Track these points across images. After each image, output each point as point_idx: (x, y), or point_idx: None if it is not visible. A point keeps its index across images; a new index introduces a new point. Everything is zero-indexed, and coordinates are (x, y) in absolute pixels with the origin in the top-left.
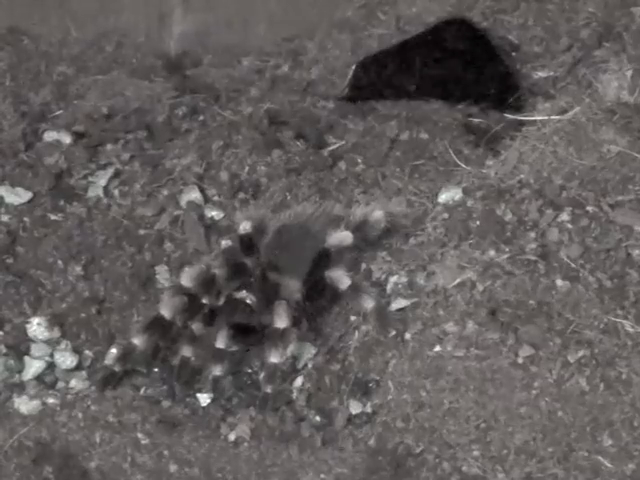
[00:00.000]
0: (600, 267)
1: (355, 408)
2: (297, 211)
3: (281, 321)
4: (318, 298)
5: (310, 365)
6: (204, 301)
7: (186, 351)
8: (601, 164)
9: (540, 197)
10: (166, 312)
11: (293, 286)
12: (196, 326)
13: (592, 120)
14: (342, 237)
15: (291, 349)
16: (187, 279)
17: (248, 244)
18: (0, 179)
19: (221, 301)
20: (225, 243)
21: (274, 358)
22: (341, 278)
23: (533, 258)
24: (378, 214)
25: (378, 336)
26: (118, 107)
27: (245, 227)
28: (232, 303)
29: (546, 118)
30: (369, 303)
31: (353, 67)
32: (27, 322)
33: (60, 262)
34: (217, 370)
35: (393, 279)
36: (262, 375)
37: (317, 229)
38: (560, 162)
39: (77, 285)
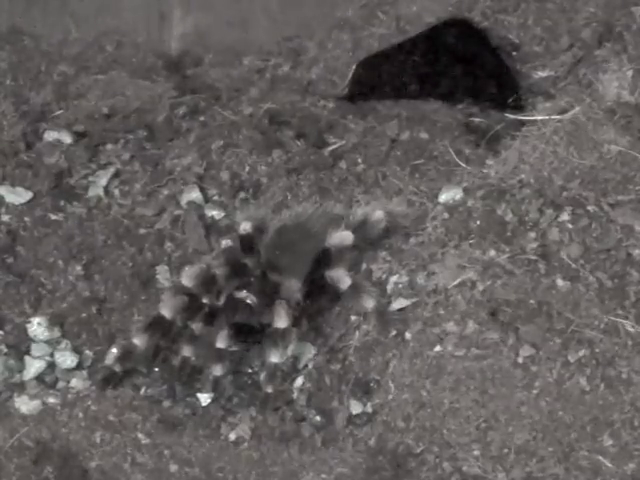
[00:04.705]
0: (600, 267)
1: (355, 408)
2: (297, 211)
3: (281, 321)
4: (318, 298)
5: (310, 365)
6: (204, 301)
7: (186, 351)
8: (601, 164)
9: (540, 197)
10: (166, 312)
11: (293, 286)
12: (196, 326)
13: (592, 120)
14: (342, 237)
15: (291, 349)
16: (187, 279)
17: (248, 244)
18: (0, 179)
19: (221, 301)
20: (225, 243)
21: (274, 358)
22: (342, 278)
23: (533, 258)
24: (378, 214)
25: (378, 336)
26: (118, 107)
27: (245, 227)
28: (232, 303)
29: (546, 118)
30: (370, 303)
31: (353, 67)
32: (27, 322)
33: (60, 262)
34: (217, 370)
35: (393, 279)
36: (262, 375)
37: (317, 229)
38: (560, 162)
39: (77, 285)
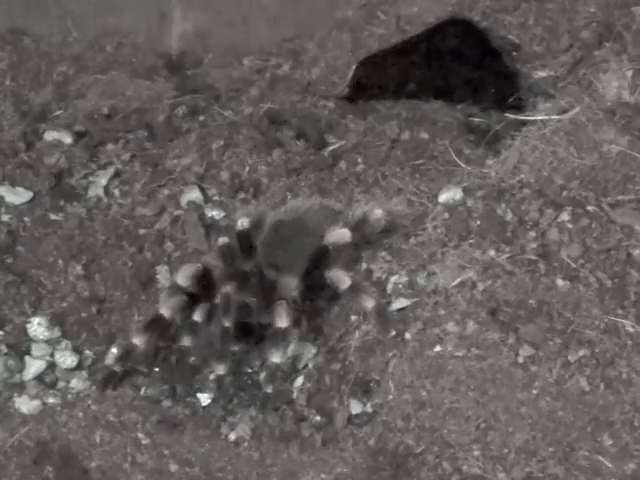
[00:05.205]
0: (600, 267)
1: (355, 408)
2: (293, 206)
3: (282, 321)
4: (317, 297)
5: (310, 365)
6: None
7: (186, 341)
8: (601, 164)
9: (540, 197)
10: (165, 311)
11: (290, 283)
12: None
13: (592, 120)
14: (340, 235)
15: (292, 349)
16: (182, 278)
17: (246, 241)
18: (0, 179)
19: (218, 299)
20: (222, 240)
21: (275, 358)
22: (341, 278)
23: (533, 258)
24: (377, 213)
25: (378, 336)
26: (118, 107)
27: (243, 223)
28: (230, 302)
29: (546, 118)
30: (369, 303)
31: (353, 67)
32: (27, 322)
33: (60, 262)
34: (220, 369)
35: (393, 279)
36: (263, 375)
37: (314, 224)
38: (560, 162)
39: (77, 285)
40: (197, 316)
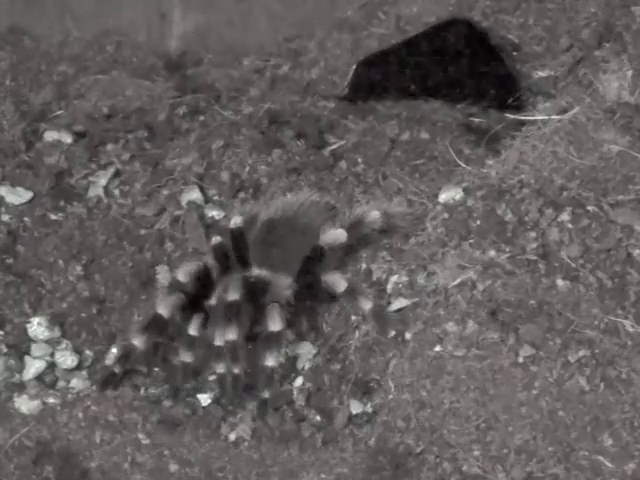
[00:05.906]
0: (600, 267)
1: (355, 408)
2: (285, 202)
3: (275, 325)
4: (312, 297)
5: (310, 365)
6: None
7: (187, 357)
8: (601, 164)
9: (540, 197)
10: (163, 310)
11: (284, 283)
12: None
13: (592, 120)
14: (336, 236)
15: (288, 351)
16: (183, 274)
17: (239, 239)
18: (0, 179)
19: (213, 300)
20: (215, 239)
21: (269, 362)
22: (337, 281)
23: (533, 258)
24: (374, 214)
25: (378, 336)
26: (118, 107)
27: (236, 221)
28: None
29: (546, 118)
30: (366, 305)
31: (353, 67)
32: (27, 322)
33: (60, 262)
34: (219, 368)
35: (393, 279)
36: (259, 380)
37: (307, 221)
38: (560, 162)
39: (77, 285)
40: (192, 330)
